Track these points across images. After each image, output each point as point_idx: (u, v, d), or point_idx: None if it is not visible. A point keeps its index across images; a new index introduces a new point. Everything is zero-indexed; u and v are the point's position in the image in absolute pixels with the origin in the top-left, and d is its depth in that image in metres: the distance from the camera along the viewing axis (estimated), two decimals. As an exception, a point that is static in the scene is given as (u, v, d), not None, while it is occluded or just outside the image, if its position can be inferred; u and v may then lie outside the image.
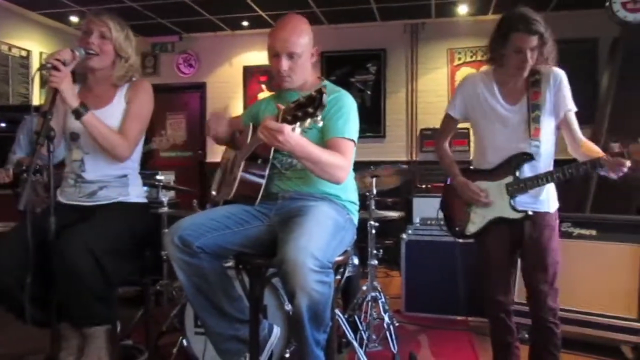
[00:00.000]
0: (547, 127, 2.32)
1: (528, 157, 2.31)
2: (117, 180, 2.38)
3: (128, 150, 2.32)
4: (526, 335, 3.32)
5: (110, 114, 2.32)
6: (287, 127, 1.70)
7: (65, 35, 6.66)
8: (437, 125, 6.54)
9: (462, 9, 6.23)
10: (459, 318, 3.84)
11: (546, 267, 2.33)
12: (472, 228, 2.48)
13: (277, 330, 2.24)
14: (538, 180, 2.29)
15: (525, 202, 2.34)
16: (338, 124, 2.02)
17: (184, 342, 2.73)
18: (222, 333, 2.07)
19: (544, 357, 2.40)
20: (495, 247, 2.42)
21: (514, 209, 2.33)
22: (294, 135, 1.74)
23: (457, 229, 2.56)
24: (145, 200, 2.50)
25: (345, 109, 2.06)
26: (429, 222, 4.13)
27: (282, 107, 1.73)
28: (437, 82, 6.65)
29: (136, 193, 2.44)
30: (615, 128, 4.50)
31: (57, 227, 2.01)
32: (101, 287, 2.11)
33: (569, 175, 2.23)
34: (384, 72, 6.79)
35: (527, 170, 2.33)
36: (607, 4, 3.99)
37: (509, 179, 2.34)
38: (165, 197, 3.80)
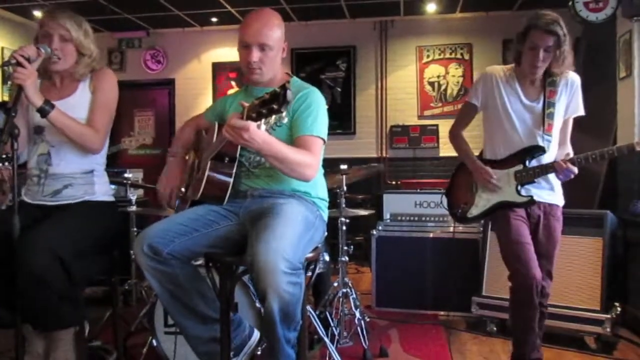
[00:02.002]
0: (557, 124, 2.45)
1: (541, 150, 2.42)
2: (83, 177, 2.32)
3: (100, 142, 2.28)
4: (494, 329, 3.41)
5: (76, 105, 2.27)
6: (252, 125, 1.68)
7: (29, 29, 6.48)
8: (407, 122, 6.61)
9: (431, 7, 6.30)
10: (428, 312, 3.89)
11: (552, 258, 2.47)
12: (474, 211, 2.59)
13: (257, 335, 2.21)
14: (547, 169, 2.40)
15: (538, 193, 2.46)
16: (307, 122, 2.01)
17: (154, 342, 2.69)
18: (201, 336, 2.05)
19: None
20: (521, 224, 2.44)
21: (519, 193, 2.44)
22: (260, 132, 1.72)
23: (459, 211, 2.67)
24: (112, 199, 2.46)
25: (314, 107, 2.04)
26: (399, 218, 4.17)
27: (246, 104, 1.72)
28: (406, 79, 6.71)
29: (102, 191, 2.39)
30: (578, 124, 4.61)
31: (21, 226, 1.96)
32: (66, 289, 2.06)
33: (577, 165, 2.35)
34: (353, 69, 6.81)
35: (535, 163, 2.45)
36: (570, 3, 4.07)
37: (519, 167, 2.46)
38: (133, 195, 3.75)
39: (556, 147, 2.50)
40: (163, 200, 2.34)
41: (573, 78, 2.46)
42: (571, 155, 2.44)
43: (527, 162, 2.44)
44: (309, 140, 2.00)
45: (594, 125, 4.44)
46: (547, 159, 2.45)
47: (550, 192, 2.50)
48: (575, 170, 2.35)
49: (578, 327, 3.15)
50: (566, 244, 3.25)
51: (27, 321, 2.11)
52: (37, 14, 6.22)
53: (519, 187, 2.45)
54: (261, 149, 1.78)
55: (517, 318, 2.42)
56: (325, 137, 2.07)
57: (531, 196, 2.43)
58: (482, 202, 2.56)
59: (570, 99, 2.46)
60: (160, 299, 2.02)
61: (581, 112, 2.50)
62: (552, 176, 2.48)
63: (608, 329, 3.05)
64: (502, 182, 2.49)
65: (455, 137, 2.69)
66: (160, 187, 2.34)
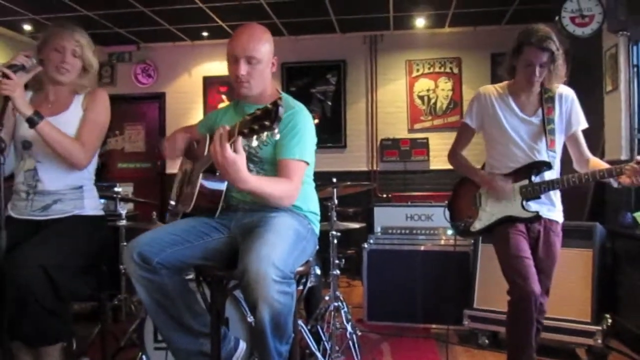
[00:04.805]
0: (559, 140, 2.46)
1: (547, 165, 2.42)
2: (72, 192, 2.31)
3: (86, 158, 2.26)
4: (486, 341, 3.40)
5: (66, 121, 2.27)
6: (239, 160, 1.68)
7: (18, 43, 6.46)
8: (397, 135, 6.65)
9: (420, 22, 6.36)
10: (420, 326, 3.88)
11: (551, 274, 2.47)
12: (478, 225, 2.56)
13: (243, 345, 2.20)
14: (553, 184, 2.39)
15: (539, 209, 2.44)
16: (290, 144, 1.99)
17: (143, 357, 2.66)
18: (187, 349, 2.03)
19: None
20: (521, 240, 2.43)
21: (524, 208, 2.43)
22: (240, 172, 1.71)
23: (462, 225, 2.64)
24: (101, 213, 2.44)
25: (299, 127, 2.03)
26: (390, 231, 4.17)
27: (227, 128, 1.69)
28: (396, 92, 6.74)
29: (92, 205, 2.38)
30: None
31: (8, 242, 1.94)
32: (54, 303, 2.03)
33: (585, 181, 2.33)
34: (344, 83, 6.84)
35: (538, 179, 2.44)
36: (557, 18, 4.14)
37: (524, 182, 2.45)
38: (123, 209, 3.72)
39: (558, 165, 2.49)
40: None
41: (567, 93, 2.48)
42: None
43: (532, 177, 2.44)
44: (290, 164, 1.98)
45: (583, 134, 4.49)
46: (550, 175, 2.45)
47: (550, 208, 2.49)
48: None
49: (569, 339, 3.15)
50: (556, 256, 3.27)
51: (14, 337, 2.08)
52: (27, 28, 6.21)
53: (524, 202, 2.44)
54: (235, 182, 1.76)
55: (514, 332, 2.39)
56: (310, 159, 2.06)
57: (537, 212, 2.42)
58: (486, 216, 2.54)
59: (569, 114, 2.46)
60: (147, 309, 2.00)
61: (584, 124, 2.50)
62: (552, 192, 2.47)
63: (599, 341, 3.06)
64: (507, 196, 2.48)
65: (454, 157, 2.67)
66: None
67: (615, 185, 2.36)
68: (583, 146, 2.51)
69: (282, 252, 1.75)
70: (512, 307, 2.35)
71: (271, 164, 2.05)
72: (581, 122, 2.50)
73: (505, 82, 2.53)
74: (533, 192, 2.43)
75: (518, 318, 2.33)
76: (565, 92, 2.48)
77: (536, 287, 2.28)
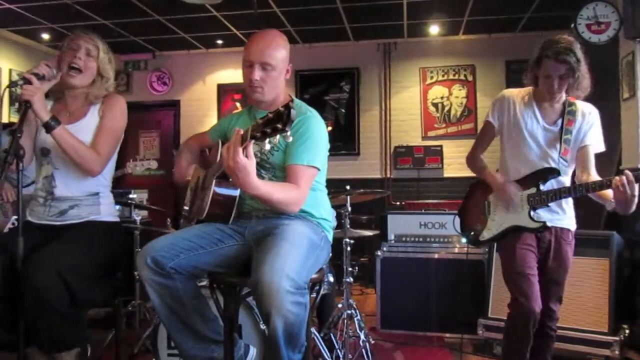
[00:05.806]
0: (573, 152, 2.43)
1: (555, 172, 2.39)
2: (88, 199, 2.33)
3: (100, 165, 2.28)
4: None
5: (83, 128, 2.29)
6: (249, 165, 1.68)
7: (36, 52, 6.57)
8: (411, 143, 6.61)
9: (434, 29, 6.36)
10: (434, 334, 3.85)
11: (562, 283, 2.45)
12: (487, 234, 2.55)
13: (253, 351, 2.20)
14: (561, 193, 2.36)
15: (549, 217, 2.42)
16: (299, 150, 1.98)
17: (157, 364, 2.67)
18: (197, 355, 2.03)
19: None
20: (527, 255, 2.40)
21: (532, 219, 2.40)
22: (249, 177, 1.71)
23: (472, 233, 2.63)
24: (117, 219, 2.46)
25: (309, 133, 2.02)
26: (403, 239, 4.15)
27: (242, 131, 1.68)
28: (410, 100, 6.74)
29: (108, 211, 2.40)
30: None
31: (26, 247, 1.96)
32: (69, 309, 2.05)
33: (592, 190, 2.28)
34: (357, 91, 6.85)
35: (548, 186, 2.41)
36: (572, 25, 4.11)
37: (532, 190, 2.42)
38: (138, 216, 3.75)
39: (569, 175, 2.46)
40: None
41: (590, 111, 2.46)
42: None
43: (540, 186, 2.41)
44: (298, 170, 1.97)
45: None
46: (559, 184, 2.42)
47: (562, 216, 2.46)
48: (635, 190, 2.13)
49: (586, 350, 3.10)
50: (573, 265, 3.22)
51: (30, 343, 2.10)
52: (45, 36, 6.31)
53: (531, 212, 2.41)
54: (244, 188, 1.76)
55: (509, 345, 2.43)
56: (320, 165, 2.04)
57: (544, 222, 2.39)
58: (495, 225, 2.52)
59: (587, 129, 2.43)
60: (159, 315, 2.01)
61: (600, 146, 2.46)
62: (564, 200, 2.44)
63: (616, 352, 3.01)
64: (514, 205, 2.45)
65: (473, 160, 2.65)
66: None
67: (609, 208, 2.32)
68: (591, 166, 2.42)
69: (295, 262, 1.75)
70: (511, 322, 2.38)
71: (283, 170, 2.05)
72: (596, 142, 2.44)
73: (530, 88, 2.51)
74: (541, 201, 2.39)
75: (515, 333, 2.36)
76: (588, 110, 2.45)
77: (537, 307, 2.29)
